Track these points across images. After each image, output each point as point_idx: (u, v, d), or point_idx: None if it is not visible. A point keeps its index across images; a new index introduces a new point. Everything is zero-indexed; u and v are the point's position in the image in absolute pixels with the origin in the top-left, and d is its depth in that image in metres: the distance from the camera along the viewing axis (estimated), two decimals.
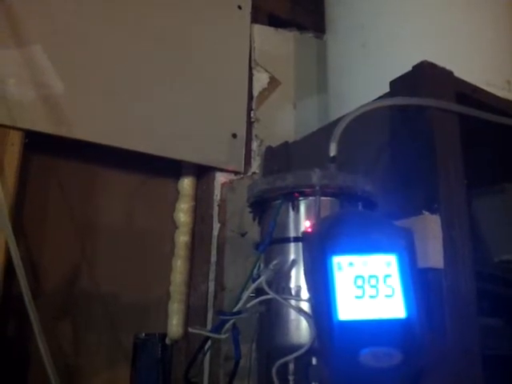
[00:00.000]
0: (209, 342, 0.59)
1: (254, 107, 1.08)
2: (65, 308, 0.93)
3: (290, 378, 0.54)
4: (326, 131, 0.87)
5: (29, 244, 0.92)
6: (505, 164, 0.92)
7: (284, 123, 1.10)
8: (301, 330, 0.53)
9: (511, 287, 0.75)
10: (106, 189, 1.01)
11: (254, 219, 0.62)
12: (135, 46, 0.97)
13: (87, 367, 0.93)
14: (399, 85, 0.73)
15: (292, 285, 0.55)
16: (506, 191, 0.82)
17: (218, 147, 1.02)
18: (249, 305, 0.54)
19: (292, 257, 0.55)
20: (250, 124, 1.07)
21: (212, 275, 0.98)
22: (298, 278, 0.55)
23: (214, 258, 0.97)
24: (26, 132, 0.85)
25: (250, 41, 1.10)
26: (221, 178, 1.01)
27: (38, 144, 0.89)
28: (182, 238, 1.03)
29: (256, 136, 1.06)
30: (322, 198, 0.55)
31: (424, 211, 0.62)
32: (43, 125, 0.85)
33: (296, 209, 0.56)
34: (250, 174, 1.02)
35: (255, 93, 1.08)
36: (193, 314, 0.98)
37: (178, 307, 1.00)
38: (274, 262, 0.54)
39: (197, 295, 1.00)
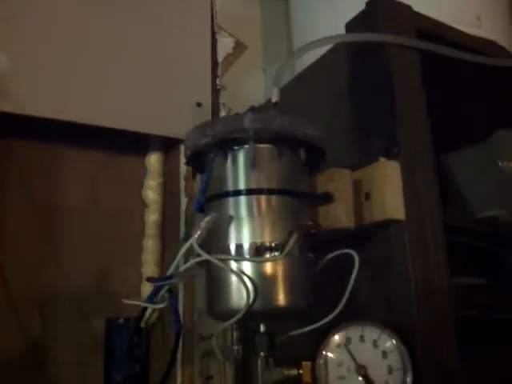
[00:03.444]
0: (148, 313, 0.54)
1: (219, 74, 1.01)
2: (30, 294, 0.89)
3: (234, 347, 0.49)
4: (291, 87, 0.81)
5: None
6: (491, 113, 0.85)
7: (253, 90, 1.04)
8: (242, 292, 0.47)
9: (495, 244, 0.68)
10: (68, 169, 0.96)
11: (194, 177, 0.56)
12: (89, 14, 0.91)
13: (57, 354, 0.89)
14: (354, 25, 0.66)
15: (231, 243, 0.49)
16: (493, 142, 0.75)
17: (182, 118, 0.97)
18: (181, 268, 0.48)
19: (230, 212, 0.49)
20: (216, 92, 1.01)
21: None
22: (238, 236, 0.49)
23: (183, 235, 0.92)
24: None
25: (212, 4, 1.03)
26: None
27: None
28: (152, 217, 0.98)
29: (223, 104, 1.00)
30: (259, 145, 0.50)
31: (380, 157, 0.56)
32: None
33: (233, 159, 0.50)
34: None
35: (220, 58, 1.02)
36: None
37: (150, 289, 0.94)
38: (206, 219, 0.48)
39: None
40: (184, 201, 0.93)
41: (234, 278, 0.47)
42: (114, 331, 0.94)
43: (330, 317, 0.50)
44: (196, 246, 0.47)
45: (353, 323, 0.51)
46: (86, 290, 0.93)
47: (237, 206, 0.49)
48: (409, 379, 0.48)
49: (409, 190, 0.55)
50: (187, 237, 0.49)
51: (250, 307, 0.46)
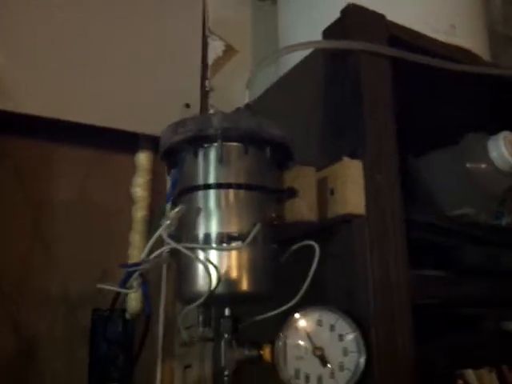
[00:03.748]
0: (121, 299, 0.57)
1: (208, 76, 1.05)
2: (19, 285, 0.92)
3: (200, 329, 0.52)
4: (273, 90, 0.85)
5: None
6: (462, 117, 0.88)
7: (241, 92, 1.07)
8: (206, 278, 0.50)
9: (459, 240, 0.71)
10: (60, 166, 1.00)
11: (169, 173, 0.59)
12: (83, 15, 0.95)
13: (44, 345, 0.92)
14: (331, 32, 0.70)
15: (200, 233, 0.52)
16: (462, 145, 0.79)
17: (170, 118, 1.00)
18: (152, 256, 0.52)
19: (200, 205, 0.53)
20: (204, 93, 1.04)
21: None
22: (207, 226, 0.52)
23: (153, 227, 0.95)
24: None
25: (204, 7, 1.07)
26: None
27: None
28: (140, 213, 1.01)
29: (211, 105, 1.04)
30: (227, 143, 0.53)
31: (344, 157, 0.59)
32: None
33: (203, 156, 0.54)
34: None
35: (210, 61, 1.06)
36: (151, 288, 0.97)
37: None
38: (175, 210, 0.52)
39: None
40: None
41: (199, 265, 0.51)
42: (99, 322, 0.97)
43: (292, 303, 0.54)
44: (164, 235, 0.50)
45: (312, 308, 0.54)
46: (74, 282, 0.96)
47: (206, 198, 0.53)
48: (362, 360, 0.51)
49: (371, 188, 0.58)
50: (157, 226, 0.53)
51: (213, 291, 0.49)
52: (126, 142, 1.03)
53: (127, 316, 0.98)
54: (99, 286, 0.58)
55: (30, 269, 0.94)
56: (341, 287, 0.58)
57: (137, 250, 0.99)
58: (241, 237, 0.51)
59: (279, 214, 0.55)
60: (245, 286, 0.51)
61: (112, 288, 0.55)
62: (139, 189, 1.02)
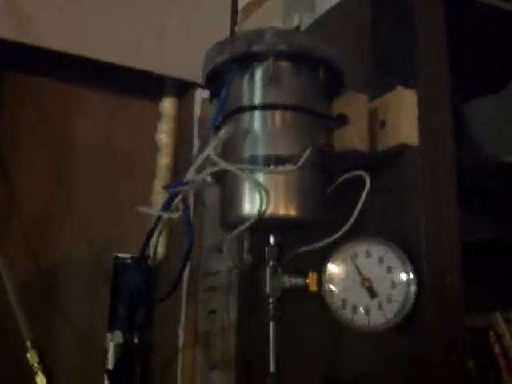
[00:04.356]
0: (160, 225, 0.55)
1: (238, 21, 1.02)
2: (42, 225, 0.91)
3: (245, 255, 0.50)
4: (309, 32, 0.82)
5: (3, 165, 0.89)
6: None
7: None
8: (252, 201, 0.48)
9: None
10: (84, 108, 0.98)
11: (211, 101, 0.56)
12: None
13: (67, 286, 0.91)
14: None
15: (247, 155, 0.49)
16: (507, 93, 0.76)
17: (198, 62, 0.97)
18: (200, 175, 0.49)
19: (247, 126, 0.50)
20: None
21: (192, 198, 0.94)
22: (254, 148, 0.50)
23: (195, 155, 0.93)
24: None
25: None
26: (202, 94, 0.96)
27: (9, 59, 0.86)
28: (164, 160, 0.99)
29: None
30: (278, 61, 0.50)
31: (398, 86, 0.56)
32: (5, 30, 0.81)
33: (251, 75, 0.51)
34: None
35: (240, 6, 1.02)
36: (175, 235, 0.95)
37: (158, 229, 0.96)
38: (224, 131, 0.49)
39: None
40: (197, 144, 0.94)
41: (247, 187, 0.48)
42: (121, 269, 0.96)
43: (339, 233, 0.51)
44: (213, 154, 0.48)
45: (360, 240, 0.52)
46: (96, 227, 0.95)
47: (254, 120, 0.50)
48: (411, 293, 0.49)
49: (424, 119, 0.56)
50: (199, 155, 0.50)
51: (262, 214, 0.47)
52: (152, 87, 1.00)
53: (150, 263, 0.96)
54: (139, 209, 0.56)
55: (52, 209, 0.92)
56: (390, 221, 0.56)
57: (160, 197, 0.97)
58: (290, 160, 0.48)
59: (329, 142, 0.52)
60: (294, 210, 0.49)
61: (154, 212, 0.53)
62: (164, 135, 1.00)
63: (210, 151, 0.48)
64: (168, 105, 1.01)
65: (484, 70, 0.77)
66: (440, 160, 0.56)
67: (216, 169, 0.48)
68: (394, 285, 0.51)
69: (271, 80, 0.49)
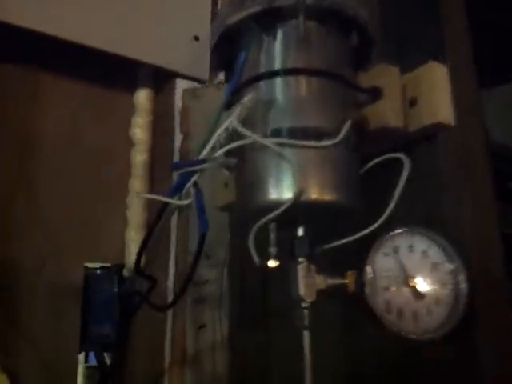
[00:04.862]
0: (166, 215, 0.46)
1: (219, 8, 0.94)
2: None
3: (272, 250, 0.42)
4: None
5: None
6: None
7: None
8: (283, 182, 0.40)
9: None
10: (50, 98, 0.86)
11: (218, 68, 0.48)
12: None
13: (29, 302, 0.78)
14: None
15: (272, 127, 0.41)
16: None
17: (178, 50, 0.88)
18: (220, 151, 0.41)
19: (269, 96, 0.42)
20: None
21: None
22: (282, 119, 0.42)
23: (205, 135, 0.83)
24: None
25: None
26: (183, 85, 0.87)
27: None
28: (140, 157, 0.89)
29: None
30: (306, 21, 0.43)
31: (430, 60, 0.50)
32: None
33: (272, 36, 0.43)
34: (216, 82, 0.89)
35: None
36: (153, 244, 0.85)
37: (135, 234, 0.86)
38: (248, 97, 0.41)
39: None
40: (179, 138, 0.85)
41: (276, 167, 0.40)
42: (92, 280, 0.84)
43: (377, 224, 0.44)
44: (238, 125, 0.39)
45: (400, 231, 0.45)
46: (63, 233, 0.83)
47: (280, 87, 0.42)
48: (462, 293, 0.42)
49: (459, 98, 0.50)
50: (219, 117, 0.42)
51: (298, 198, 0.39)
52: (126, 76, 0.90)
53: (125, 273, 0.85)
54: (137, 195, 0.46)
55: (11, 210, 0.79)
56: (427, 209, 0.49)
57: (138, 198, 0.87)
58: (327, 134, 0.41)
59: (364, 117, 0.45)
60: (329, 194, 0.41)
61: (159, 198, 0.43)
62: (139, 130, 0.89)
63: (233, 121, 0.39)
64: (143, 96, 0.91)
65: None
66: (477, 143, 0.50)
67: (241, 142, 0.40)
68: (442, 284, 0.44)
69: (301, 41, 0.42)
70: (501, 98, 0.71)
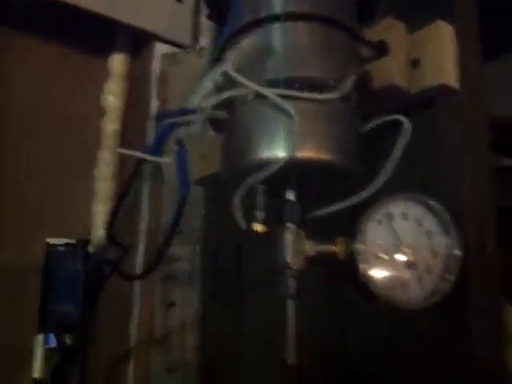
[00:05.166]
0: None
1: None
2: None
3: (258, 214, 0.38)
4: None
5: None
6: None
7: None
8: (278, 139, 0.36)
9: None
10: (18, 58, 0.79)
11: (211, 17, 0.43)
12: None
13: None
14: None
15: (265, 78, 0.37)
16: None
17: (158, 12, 0.82)
18: (211, 100, 0.36)
19: (266, 43, 0.38)
20: None
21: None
22: (280, 69, 0.37)
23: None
24: None
25: None
26: (161, 49, 0.81)
27: None
28: (111, 126, 0.83)
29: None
30: None
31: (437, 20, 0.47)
32: None
33: None
34: (198, 48, 0.83)
35: None
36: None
37: (103, 207, 0.80)
38: (246, 41, 0.36)
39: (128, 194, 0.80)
40: (155, 105, 0.79)
41: (272, 121, 0.36)
42: (54, 257, 0.78)
43: (372, 188, 0.40)
44: (233, 72, 0.35)
45: (395, 198, 0.42)
46: (24, 205, 0.76)
47: (278, 34, 0.38)
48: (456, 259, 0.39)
49: (465, 61, 0.46)
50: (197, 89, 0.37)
51: (293, 155, 0.35)
52: (101, 40, 0.84)
53: (90, 249, 0.79)
54: (119, 150, 0.41)
55: None
56: (424, 175, 0.45)
57: (106, 169, 0.81)
58: (331, 85, 0.37)
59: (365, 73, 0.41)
60: (327, 153, 0.37)
61: (139, 155, 0.38)
62: (112, 97, 0.83)
63: (227, 67, 0.34)
64: (118, 60, 0.84)
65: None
66: (480, 109, 0.47)
67: (234, 92, 0.35)
68: (434, 253, 0.41)
69: None
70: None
